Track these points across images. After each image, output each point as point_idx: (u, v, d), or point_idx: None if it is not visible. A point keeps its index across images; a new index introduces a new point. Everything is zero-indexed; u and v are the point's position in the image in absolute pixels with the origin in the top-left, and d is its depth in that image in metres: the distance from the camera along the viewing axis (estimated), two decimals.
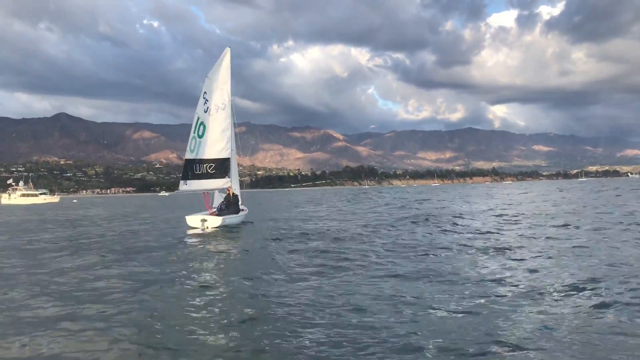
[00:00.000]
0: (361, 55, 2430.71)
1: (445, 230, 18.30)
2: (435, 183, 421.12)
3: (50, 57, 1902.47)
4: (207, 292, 8.71)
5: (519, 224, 19.83)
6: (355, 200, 60.67)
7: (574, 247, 12.84)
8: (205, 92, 22.76)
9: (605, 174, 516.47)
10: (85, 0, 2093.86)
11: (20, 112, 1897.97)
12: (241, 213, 23.09)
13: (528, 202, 40.22)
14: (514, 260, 11.22)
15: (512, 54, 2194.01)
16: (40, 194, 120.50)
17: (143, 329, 6.51)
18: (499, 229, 17.97)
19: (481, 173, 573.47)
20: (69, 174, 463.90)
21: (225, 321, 6.86)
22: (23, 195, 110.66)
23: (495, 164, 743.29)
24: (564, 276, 9.21)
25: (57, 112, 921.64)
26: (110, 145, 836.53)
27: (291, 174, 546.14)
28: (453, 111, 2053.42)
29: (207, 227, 20.33)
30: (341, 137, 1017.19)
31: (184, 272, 10.74)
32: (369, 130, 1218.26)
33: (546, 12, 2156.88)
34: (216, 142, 22.69)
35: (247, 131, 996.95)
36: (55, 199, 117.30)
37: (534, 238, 15.10)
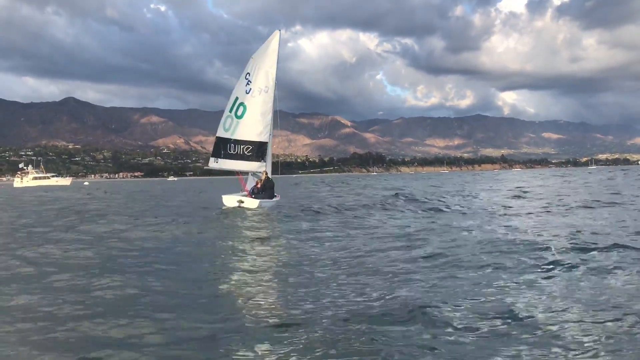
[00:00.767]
0: (370, 40, 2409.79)
1: None
2: (444, 170, 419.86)
3: (57, 41, 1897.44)
4: None
5: None
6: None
7: None
8: (248, 73, 22.21)
9: (615, 162, 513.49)
10: None
11: (28, 96, 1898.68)
12: (275, 199, 22.65)
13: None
14: None
15: (523, 39, 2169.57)
16: (52, 176, 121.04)
17: None
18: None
19: (490, 160, 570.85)
20: (77, 158, 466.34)
21: None
22: (35, 178, 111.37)
23: (504, 151, 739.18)
24: None
25: (65, 97, 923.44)
26: (118, 130, 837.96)
27: (299, 160, 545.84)
28: (462, 98, 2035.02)
29: (242, 206, 20.42)
30: (349, 124, 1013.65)
31: None
32: (377, 117, 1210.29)
33: None
34: (256, 125, 22.28)
35: None
36: (66, 181, 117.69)
37: None
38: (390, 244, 11.26)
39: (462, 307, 5.91)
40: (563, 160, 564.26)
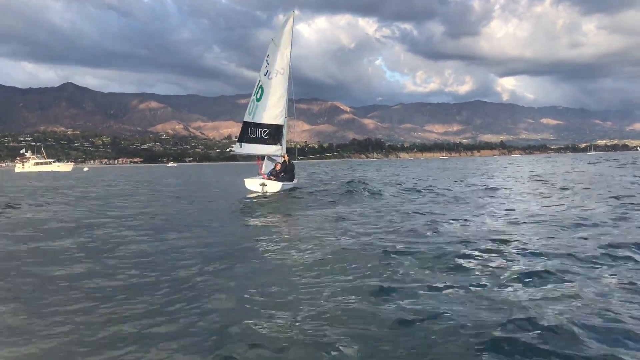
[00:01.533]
0: (368, 25, 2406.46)
1: None
2: (444, 156, 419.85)
3: (55, 26, 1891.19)
4: None
5: None
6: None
7: None
8: (268, 56, 22.42)
9: (614, 147, 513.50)
10: None
11: (26, 81, 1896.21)
12: (294, 181, 22.94)
13: None
14: None
15: (522, 25, 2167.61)
16: (53, 161, 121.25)
17: None
18: None
19: (489, 146, 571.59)
20: (76, 144, 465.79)
21: None
22: (37, 163, 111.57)
23: (503, 137, 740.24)
24: None
25: (64, 82, 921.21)
26: (117, 116, 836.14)
27: (298, 146, 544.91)
28: (461, 83, 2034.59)
29: (267, 192, 20.49)
30: (348, 109, 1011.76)
31: None
32: (376, 103, 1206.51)
33: None
34: (272, 108, 22.37)
35: None
36: (68, 167, 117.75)
37: None
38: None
39: None
40: (562, 146, 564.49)
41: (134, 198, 22.21)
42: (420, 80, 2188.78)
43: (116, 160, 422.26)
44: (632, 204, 14.20)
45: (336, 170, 58.87)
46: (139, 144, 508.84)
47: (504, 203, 15.83)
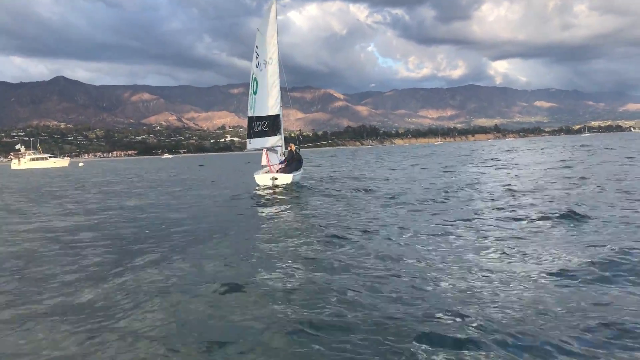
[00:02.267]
0: (359, 11, 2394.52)
1: None
2: (438, 142, 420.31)
3: (44, 20, 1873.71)
4: None
5: None
6: None
7: None
8: (257, 47, 22.20)
9: (608, 129, 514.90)
10: None
11: (17, 76, 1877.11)
12: (300, 170, 22.63)
13: None
14: None
15: (513, 7, 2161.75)
16: (49, 156, 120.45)
17: None
18: None
19: (483, 130, 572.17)
20: (69, 138, 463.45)
21: None
22: (33, 159, 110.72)
23: (497, 121, 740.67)
24: None
25: (55, 76, 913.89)
26: (110, 108, 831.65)
27: (292, 134, 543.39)
28: (454, 68, 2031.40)
29: (277, 185, 20.17)
30: (342, 97, 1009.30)
31: None
32: (370, 89, 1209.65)
33: None
34: (268, 99, 22.17)
35: (246, 92, 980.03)
36: (64, 162, 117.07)
37: None
38: None
39: None
40: (556, 129, 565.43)
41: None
42: (412, 66, 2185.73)
43: (110, 154, 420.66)
44: None
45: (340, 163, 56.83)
46: (133, 137, 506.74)
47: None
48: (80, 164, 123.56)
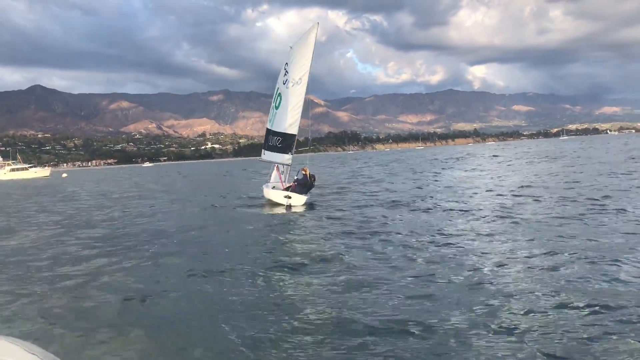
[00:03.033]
0: (338, 17, 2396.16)
1: None
2: (419, 146, 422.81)
3: (18, 28, 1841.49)
4: None
5: None
6: None
7: None
8: (286, 64, 22.11)
9: (585, 131, 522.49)
10: None
11: None
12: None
13: None
14: None
15: (490, 13, 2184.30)
16: (30, 166, 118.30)
17: None
18: None
19: (463, 135, 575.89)
20: (47, 147, 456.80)
21: None
22: (13, 170, 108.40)
23: (476, 125, 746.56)
24: None
25: (31, 85, 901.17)
26: (88, 117, 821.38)
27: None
28: (433, 73, 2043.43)
29: (291, 205, 19.35)
30: (322, 103, 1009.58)
31: None
32: (350, 95, 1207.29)
33: None
34: (287, 117, 21.95)
35: (225, 99, 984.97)
36: (45, 172, 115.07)
37: None
38: None
39: None
40: (535, 132, 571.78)
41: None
42: (392, 72, 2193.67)
43: (89, 163, 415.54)
44: None
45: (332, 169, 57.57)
46: (112, 145, 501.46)
47: None
48: (64, 175, 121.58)
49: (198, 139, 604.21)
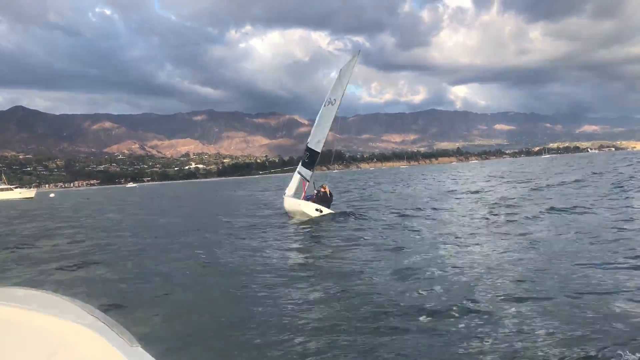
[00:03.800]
0: (321, 39, 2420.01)
1: None
2: (404, 165, 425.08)
3: (0, 49, 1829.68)
4: None
5: None
6: None
7: None
8: (334, 85, 22.85)
9: (566, 150, 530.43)
10: None
11: None
12: None
13: None
14: None
15: (471, 34, 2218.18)
16: (15, 187, 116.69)
17: None
18: None
19: (446, 154, 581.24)
20: (29, 168, 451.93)
21: None
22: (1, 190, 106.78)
23: (459, 144, 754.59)
24: None
25: (13, 105, 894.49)
26: (70, 138, 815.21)
27: (258, 160, 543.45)
28: (415, 93, 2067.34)
29: (321, 211, 19.90)
30: (306, 122, 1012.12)
31: None
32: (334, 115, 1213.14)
33: None
34: (317, 133, 22.84)
35: (209, 119, 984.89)
36: (31, 193, 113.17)
37: None
38: None
39: None
40: (517, 151, 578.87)
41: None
42: (375, 92, 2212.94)
43: (72, 184, 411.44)
44: None
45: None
46: (95, 166, 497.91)
47: None
48: (52, 195, 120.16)
49: (182, 159, 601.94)
